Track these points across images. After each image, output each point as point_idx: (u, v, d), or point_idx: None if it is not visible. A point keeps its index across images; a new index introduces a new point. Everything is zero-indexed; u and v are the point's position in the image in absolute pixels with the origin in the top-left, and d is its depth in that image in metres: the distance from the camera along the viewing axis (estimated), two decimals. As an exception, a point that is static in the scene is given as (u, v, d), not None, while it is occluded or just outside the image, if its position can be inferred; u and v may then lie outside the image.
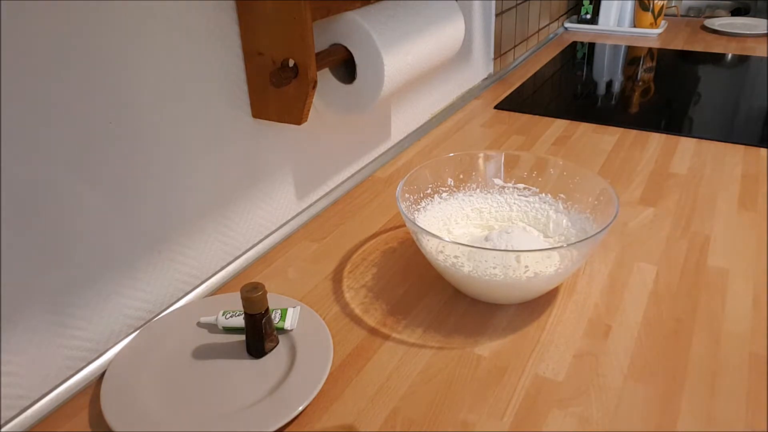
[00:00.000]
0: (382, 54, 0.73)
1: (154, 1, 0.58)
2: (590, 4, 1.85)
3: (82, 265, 0.57)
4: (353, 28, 0.74)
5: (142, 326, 0.65)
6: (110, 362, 0.59)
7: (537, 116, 1.19)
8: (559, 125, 1.14)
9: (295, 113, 0.70)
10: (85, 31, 0.53)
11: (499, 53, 1.42)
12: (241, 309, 0.63)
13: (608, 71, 1.48)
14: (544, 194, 0.77)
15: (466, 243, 0.68)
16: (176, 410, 0.54)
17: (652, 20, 1.73)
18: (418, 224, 0.68)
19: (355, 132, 0.95)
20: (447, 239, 0.67)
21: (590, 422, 0.52)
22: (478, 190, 0.80)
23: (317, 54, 0.70)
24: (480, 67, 1.37)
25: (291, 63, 0.67)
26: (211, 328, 0.63)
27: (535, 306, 0.67)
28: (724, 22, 1.81)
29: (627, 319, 0.64)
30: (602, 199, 0.69)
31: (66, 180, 0.54)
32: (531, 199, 0.78)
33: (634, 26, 1.78)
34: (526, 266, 0.61)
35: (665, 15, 1.81)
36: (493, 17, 1.33)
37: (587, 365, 0.58)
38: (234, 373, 0.58)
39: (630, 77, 1.42)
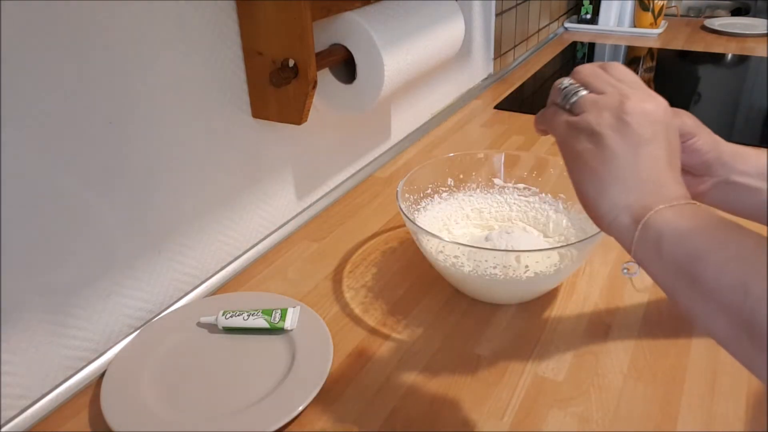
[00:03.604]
0: (382, 54, 0.73)
1: (154, 1, 0.58)
2: (590, 4, 1.85)
3: (82, 265, 0.57)
4: (353, 28, 0.74)
5: (142, 326, 0.65)
6: (110, 362, 0.59)
7: (537, 116, 1.19)
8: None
9: (295, 113, 0.70)
10: (85, 31, 0.53)
11: (499, 53, 1.42)
12: (241, 309, 0.63)
13: (608, 71, 1.48)
14: (544, 194, 0.77)
15: (466, 243, 0.68)
16: (176, 410, 0.54)
17: (652, 20, 1.73)
18: (418, 224, 0.68)
19: (355, 132, 0.95)
20: (447, 239, 0.67)
21: (590, 422, 0.52)
22: (478, 190, 0.80)
23: (317, 54, 0.70)
24: (480, 67, 1.37)
25: (291, 63, 0.67)
26: (211, 328, 0.63)
27: (535, 306, 0.67)
28: (724, 22, 1.81)
29: (627, 319, 0.64)
30: (602, 199, 0.68)
31: (66, 180, 0.54)
32: (531, 199, 0.78)
33: (634, 26, 1.78)
34: (526, 266, 0.61)
35: (665, 15, 1.80)
36: (493, 17, 1.33)
37: (587, 365, 0.58)
38: (234, 373, 0.58)
39: (630, 77, 1.42)
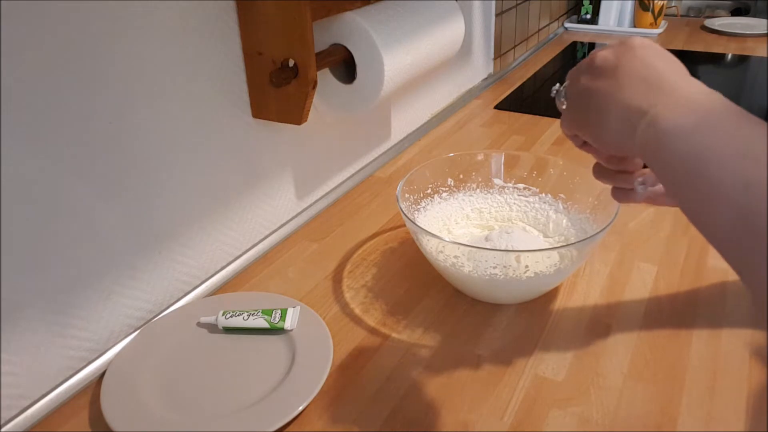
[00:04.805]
0: (382, 54, 0.73)
1: (154, 1, 0.58)
2: (590, 4, 1.85)
3: (82, 265, 0.57)
4: (353, 28, 0.74)
5: (142, 326, 0.65)
6: (110, 362, 0.59)
7: (537, 116, 1.19)
8: (559, 125, 1.14)
9: (295, 113, 0.70)
10: (85, 31, 0.53)
11: (499, 53, 1.42)
12: (241, 309, 0.63)
13: (608, 71, 1.48)
14: (544, 194, 0.77)
15: (466, 243, 0.68)
16: (176, 410, 0.54)
17: (652, 20, 1.73)
18: (418, 224, 0.68)
19: (355, 132, 0.95)
20: (447, 239, 0.67)
21: (590, 422, 0.52)
22: (478, 190, 0.80)
23: (317, 54, 0.70)
24: (480, 67, 1.37)
25: (291, 63, 0.67)
26: (211, 328, 0.63)
27: (535, 306, 0.67)
28: (724, 22, 1.81)
29: (627, 319, 0.64)
30: (602, 199, 0.69)
31: (66, 180, 0.54)
32: (531, 199, 0.78)
33: (634, 26, 1.78)
34: (526, 266, 0.61)
35: (665, 15, 1.80)
36: (493, 17, 1.33)
37: (587, 365, 0.58)
38: (234, 373, 0.58)
39: (630, 77, 1.41)
